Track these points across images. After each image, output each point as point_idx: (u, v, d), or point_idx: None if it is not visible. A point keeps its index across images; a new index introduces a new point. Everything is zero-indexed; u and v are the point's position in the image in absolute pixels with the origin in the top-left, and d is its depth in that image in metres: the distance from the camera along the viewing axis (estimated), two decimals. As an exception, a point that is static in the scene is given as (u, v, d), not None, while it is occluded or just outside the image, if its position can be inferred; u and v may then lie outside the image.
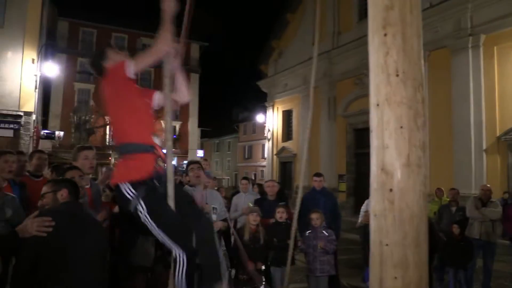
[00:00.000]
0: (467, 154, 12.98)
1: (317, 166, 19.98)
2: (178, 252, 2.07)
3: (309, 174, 6.60)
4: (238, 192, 6.62)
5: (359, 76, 16.75)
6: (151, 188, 2.12)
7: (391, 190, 2.15)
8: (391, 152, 2.16)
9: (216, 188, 7.60)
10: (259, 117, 30.31)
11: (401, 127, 2.14)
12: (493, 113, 12.73)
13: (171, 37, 2.28)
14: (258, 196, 6.26)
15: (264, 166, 30.13)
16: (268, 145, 25.91)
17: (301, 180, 3.65)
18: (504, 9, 12.23)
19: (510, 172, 12.20)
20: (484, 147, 12.81)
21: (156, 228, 2.07)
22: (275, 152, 24.58)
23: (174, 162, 35.78)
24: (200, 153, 39.75)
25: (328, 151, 19.47)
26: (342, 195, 18.46)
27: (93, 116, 31.80)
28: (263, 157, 34.10)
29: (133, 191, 2.07)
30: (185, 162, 34.55)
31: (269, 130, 25.34)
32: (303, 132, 20.85)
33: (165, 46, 2.26)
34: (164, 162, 2.36)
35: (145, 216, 2.07)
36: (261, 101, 28.02)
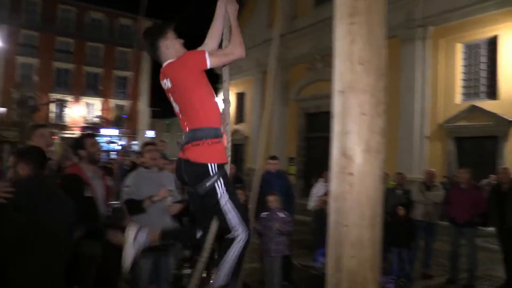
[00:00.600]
0: (411, 141, 13.63)
1: (269, 149, 20.20)
2: (241, 232, 2.21)
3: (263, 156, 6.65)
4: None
5: (312, 61, 17.01)
6: (225, 172, 2.30)
7: (351, 173, 2.25)
8: (353, 137, 2.24)
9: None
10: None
11: (363, 114, 2.23)
12: (436, 102, 13.40)
13: (242, 41, 2.34)
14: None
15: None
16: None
17: (258, 163, 3.71)
18: (451, 3, 12.77)
19: (450, 158, 12.98)
20: (427, 134, 13.51)
21: (231, 205, 2.23)
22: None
23: (123, 142, 34.90)
24: (151, 133, 38.93)
25: (279, 135, 19.73)
26: (292, 178, 18.83)
27: (37, 92, 30.20)
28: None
29: (217, 170, 2.24)
30: (135, 142, 33.87)
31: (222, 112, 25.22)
32: (256, 114, 20.95)
33: (240, 51, 2.33)
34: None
35: (223, 192, 2.23)
36: (214, 82, 27.78)
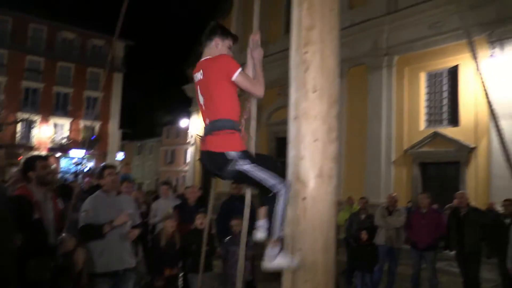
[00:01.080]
0: (377, 166, 13.94)
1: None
2: (279, 186, 2.32)
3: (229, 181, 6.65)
4: (158, 197, 6.51)
5: (282, 86, 17.26)
6: (246, 154, 2.45)
7: (304, 198, 2.30)
8: (306, 163, 2.30)
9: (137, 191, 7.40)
10: (183, 122, 29.96)
11: (316, 140, 2.30)
12: (401, 128, 13.82)
13: (264, 83, 2.55)
14: (178, 202, 6.21)
15: (186, 171, 29.80)
16: (191, 150, 25.69)
17: (212, 188, 3.77)
18: (415, 33, 13.37)
19: (415, 182, 13.31)
20: (393, 159, 13.86)
21: (258, 171, 2.36)
22: (197, 157, 24.44)
23: (91, 164, 34.12)
24: (120, 155, 38.29)
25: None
26: (262, 202, 18.84)
27: (3, 111, 29.36)
28: (185, 162, 33.73)
29: (236, 155, 2.40)
30: (103, 164, 33.14)
31: (192, 135, 25.16)
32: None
33: (261, 90, 2.51)
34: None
35: (247, 166, 2.37)
36: (186, 106, 27.76)
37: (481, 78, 2.70)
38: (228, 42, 2.66)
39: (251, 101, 2.87)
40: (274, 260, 2.35)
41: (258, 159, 2.47)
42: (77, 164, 34.13)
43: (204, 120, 2.58)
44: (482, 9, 11.50)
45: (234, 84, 2.49)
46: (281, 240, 2.40)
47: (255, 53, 2.68)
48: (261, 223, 2.44)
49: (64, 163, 34.40)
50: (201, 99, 2.59)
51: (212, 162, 2.51)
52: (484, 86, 2.68)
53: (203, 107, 2.58)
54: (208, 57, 2.60)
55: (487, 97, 2.69)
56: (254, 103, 2.87)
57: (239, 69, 2.45)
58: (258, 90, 2.51)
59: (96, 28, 36.77)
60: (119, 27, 4.23)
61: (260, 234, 2.44)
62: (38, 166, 3.37)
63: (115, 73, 37.03)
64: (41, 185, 3.38)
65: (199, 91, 2.60)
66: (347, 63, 15.19)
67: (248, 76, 2.55)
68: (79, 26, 35.64)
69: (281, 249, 2.38)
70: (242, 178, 2.46)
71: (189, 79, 26.12)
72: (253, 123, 2.88)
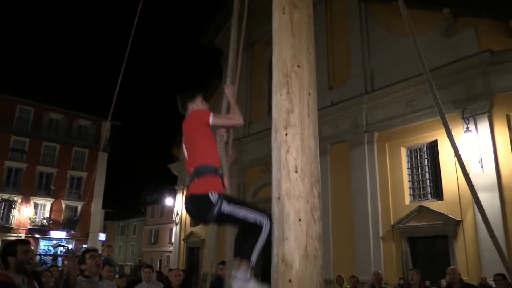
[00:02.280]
0: (366, 242, 13.74)
1: (224, 251, 19.62)
2: (262, 219, 2.48)
3: (217, 261, 6.49)
4: (139, 280, 6.24)
5: (267, 164, 17.47)
6: (226, 196, 2.64)
7: (290, 281, 2.25)
8: (291, 243, 2.29)
9: (117, 276, 7.11)
10: (168, 201, 29.59)
11: (300, 219, 2.31)
12: (387, 203, 13.86)
13: (240, 113, 2.79)
14: (162, 286, 5.96)
15: (170, 252, 28.85)
16: (175, 230, 25.10)
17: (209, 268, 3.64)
18: (393, 111, 13.96)
19: (404, 258, 13.07)
20: (381, 235, 13.72)
21: (240, 210, 2.53)
22: (182, 237, 23.84)
23: (71, 246, 32.88)
24: (102, 236, 37.09)
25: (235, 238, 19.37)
26: (250, 283, 18.12)
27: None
28: (170, 242, 32.76)
29: (217, 196, 2.56)
30: (84, 246, 32.00)
31: (177, 214, 24.73)
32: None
33: (239, 119, 2.74)
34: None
35: (229, 207, 2.53)
36: (171, 184, 27.59)
37: (457, 155, 2.81)
38: (198, 99, 3.06)
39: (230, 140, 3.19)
40: (246, 284, 2.45)
41: (237, 200, 2.65)
42: (56, 246, 32.86)
43: (188, 172, 2.80)
44: (453, 88, 12.20)
45: (211, 132, 2.81)
46: (252, 269, 2.53)
47: (228, 89, 3.06)
48: (239, 274, 2.50)
49: (43, 245, 33.12)
50: (185, 153, 2.87)
51: (196, 206, 2.68)
52: (460, 162, 2.78)
53: (187, 159, 2.84)
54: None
55: (465, 173, 2.77)
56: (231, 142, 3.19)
57: (211, 113, 2.76)
58: (236, 119, 2.75)
59: (83, 109, 37.54)
60: (111, 112, 4.54)
61: (237, 285, 2.48)
62: (18, 251, 3.24)
63: (99, 152, 37.11)
64: (20, 273, 3.22)
65: (184, 148, 2.89)
66: (329, 141, 15.59)
67: (221, 115, 2.86)
68: (65, 107, 36.32)
69: (251, 276, 2.50)
70: (225, 219, 2.61)
71: (175, 158, 26.28)
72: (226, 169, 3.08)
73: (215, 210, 2.53)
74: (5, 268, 3.24)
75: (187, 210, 2.81)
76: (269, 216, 2.50)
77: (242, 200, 2.79)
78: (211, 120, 2.74)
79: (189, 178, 2.75)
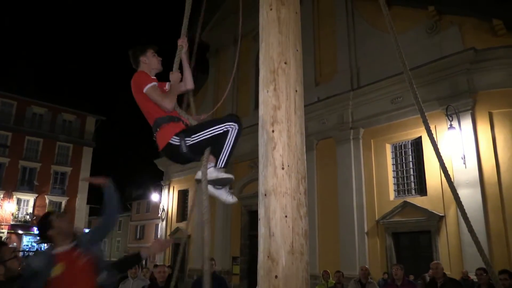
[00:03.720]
0: (351, 237, 13.88)
1: (211, 247, 19.65)
2: (229, 125, 2.74)
3: (208, 257, 6.46)
4: (125, 277, 6.21)
5: (254, 159, 17.50)
6: (184, 130, 2.81)
7: (276, 276, 2.25)
8: (277, 239, 2.30)
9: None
10: (154, 196, 29.45)
11: (286, 216, 2.32)
12: (372, 198, 14.02)
13: (172, 101, 2.87)
14: (148, 282, 5.94)
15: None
16: (161, 225, 24.99)
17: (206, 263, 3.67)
18: (378, 107, 14.08)
19: (388, 253, 13.25)
20: (366, 230, 13.87)
21: (205, 134, 2.71)
22: (168, 232, 23.76)
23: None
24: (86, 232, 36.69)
25: (223, 233, 19.40)
26: (235, 278, 18.18)
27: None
28: (156, 238, 32.60)
29: (177, 138, 2.74)
30: (69, 242, 31.60)
31: (163, 210, 24.63)
32: (199, 212, 20.66)
33: (168, 106, 2.82)
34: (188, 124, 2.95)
35: (192, 139, 2.71)
36: (157, 180, 27.45)
37: (437, 153, 2.85)
38: (149, 52, 3.13)
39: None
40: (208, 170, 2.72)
41: (196, 127, 2.81)
42: (40, 242, 32.43)
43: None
44: (437, 85, 12.36)
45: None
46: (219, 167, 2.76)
47: (172, 76, 3.07)
48: (210, 165, 2.77)
49: (26, 241, 32.69)
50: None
51: (170, 156, 2.86)
52: (440, 160, 2.83)
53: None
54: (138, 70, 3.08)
55: (445, 171, 2.82)
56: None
57: (149, 85, 2.85)
58: (166, 104, 2.82)
59: (67, 103, 37.02)
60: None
61: (203, 171, 2.71)
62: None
63: (84, 147, 36.71)
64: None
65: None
66: (315, 137, 15.67)
67: (159, 91, 2.88)
68: (49, 101, 35.75)
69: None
70: (198, 147, 2.76)
71: (160, 153, 26.08)
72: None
73: (183, 148, 2.71)
74: None
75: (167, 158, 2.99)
76: (234, 117, 2.77)
77: (200, 124, 2.87)
78: (145, 89, 2.85)
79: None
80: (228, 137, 2.74)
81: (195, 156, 2.85)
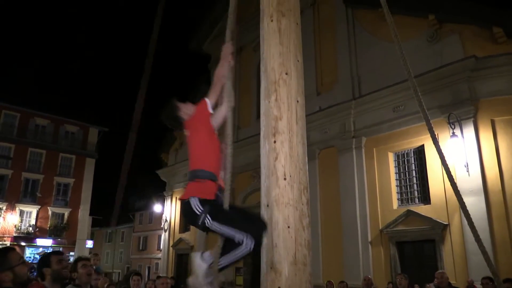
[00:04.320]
0: (354, 247, 13.78)
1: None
2: (245, 240, 2.41)
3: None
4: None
5: (257, 169, 17.49)
6: (213, 204, 2.57)
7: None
8: (280, 251, 2.29)
9: (106, 285, 7.02)
10: (157, 207, 29.39)
11: (288, 227, 2.31)
12: (375, 207, 13.94)
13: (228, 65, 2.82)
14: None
15: (159, 259, 28.60)
16: (164, 236, 24.91)
17: None
18: (380, 116, 14.08)
19: (393, 262, 13.14)
20: (370, 239, 13.78)
21: (222, 227, 2.49)
22: (171, 243, 23.67)
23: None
24: (89, 244, 36.63)
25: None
26: (239, 289, 18.07)
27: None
28: (159, 249, 32.49)
29: (201, 207, 2.53)
30: (71, 253, 31.57)
31: (166, 221, 24.57)
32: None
33: (222, 70, 2.78)
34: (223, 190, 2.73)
35: (211, 223, 2.50)
36: (160, 190, 27.41)
37: (443, 161, 2.84)
38: (180, 105, 2.95)
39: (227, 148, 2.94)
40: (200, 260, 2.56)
41: (223, 215, 2.56)
42: (43, 254, 32.34)
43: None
44: (439, 93, 12.37)
45: (212, 128, 2.76)
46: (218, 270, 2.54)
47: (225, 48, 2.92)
48: (207, 254, 2.59)
49: (29, 253, 32.61)
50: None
51: (184, 213, 2.67)
52: (445, 168, 2.82)
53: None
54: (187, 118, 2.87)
55: (450, 179, 2.81)
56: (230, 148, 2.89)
57: (206, 101, 2.76)
58: (220, 75, 2.81)
59: (70, 114, 37.22)
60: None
61: (200, 259, 2.57)
62: (53, 262, 3.28)
63: (87, 158, 36.78)
64: (56, 282, 3.25)
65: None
66: (317, 146, 15.66)
67: (210, 93, 2.82)
68: (52, 112, 35.94)
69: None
70: (210, 230, 2.59)
71: (163, 164, 26.11)
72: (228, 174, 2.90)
73: (200, 221, 2.52)
74: (41, 279, 3.24)
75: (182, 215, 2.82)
76: (255, 236, 2.41)
77: (229, 213, 2.62)
78: (209, 106, 2.75)
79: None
80: (238, 250, 2.49)
81: (205, 231, 2.70)
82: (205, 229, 2.58)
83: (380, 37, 14.35)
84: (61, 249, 33.05)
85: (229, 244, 2.52)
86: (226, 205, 2.59)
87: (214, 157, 2.74)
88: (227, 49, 2.90)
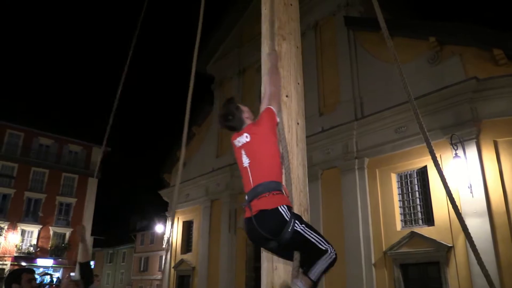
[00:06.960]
0: (358, 269, 13.59)
1: (216, 280, 19.33)
2: (329, 246, 2.43)
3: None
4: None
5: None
6: (296, 215, 2.45)
7: (280, 311, 2.22)
8: (280, 273, 2.28)
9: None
10: (158, 227, 29.21)
11: (289, 249, 2.31)
12: (378, 229, 13.80)
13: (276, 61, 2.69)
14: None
15: (160, 280, 28.27)
16: (166, 257, 24.67)
17: None
18: (382, 137, 14.08)
19: (397, 285, 12.93)
20: (373, 261, 13.60)
21: (314, 235, 2.40)
22: (173, 264, 23.43)
23: (59, 274, 32.10)
24: (91, 264, 36.24)
25: (227, 264, 19.11)
26: (241, 311, 17.78)
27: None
28: (160, 270, 32.14)
29: (289, 212, 2.38)
30: (72, 274, 31.24)
31: (168, 241, 24.36)
32: (204, 244, 20.50)
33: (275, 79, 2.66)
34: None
35: (303, 228, 2.37)
36: (162, 211, 27.28)
37: (444, 183, 2.84)
38: (241, 106, 2.82)
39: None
40: None
41: (308, 223, 2.48)
42: (43, 274, 32.09)
43: (247, 185, 2.56)
44: (441, 115, 12.39)
45: (276, 143, 2.59)
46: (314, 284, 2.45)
47: (269, 57, 2.83)
48: (298, 282, 2.39)
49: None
50: (246, 161, 2.56)
51: (268, 224, 2.38)
52: (447, 190, 2.81)
53: (248, 169, 2.54)
54: (250, 122, 2.72)
55: (452, 201, 2.80)
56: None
57: (272, 109, 2.61)
58: (274, 83, 2.69)
59: (73, 134, 37.43)
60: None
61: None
62: (24, 279, 3.31)
63: (89, 178, 36.80)
64: None
65: (244, 153, 2.59)
66: (320, 166, 15.63)
67: (271, 99, 2.69)
68: (56, 132, 36.17)
69: None
70: (295, 241, 2.39)
71: (165, 184, 26.01)
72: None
73: (290, 227, 2.34)
74: None
75: (250, 231, 2.48)
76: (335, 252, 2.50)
77: (307, 222, 2.55)
78: (275, 111, 2.62)
79: (247, 196, 2.52)
80: (326, 256, 2.44)
81: (282, 248, 2.44)
82: (287, 240, 2.36)
83: (382, 58, 14.48)
84: (61, 269, 32.81)
85: (309, 255, 2.44)
86: None
87: (280, 168, 2.62)
88: (275, 58, 2.80)
